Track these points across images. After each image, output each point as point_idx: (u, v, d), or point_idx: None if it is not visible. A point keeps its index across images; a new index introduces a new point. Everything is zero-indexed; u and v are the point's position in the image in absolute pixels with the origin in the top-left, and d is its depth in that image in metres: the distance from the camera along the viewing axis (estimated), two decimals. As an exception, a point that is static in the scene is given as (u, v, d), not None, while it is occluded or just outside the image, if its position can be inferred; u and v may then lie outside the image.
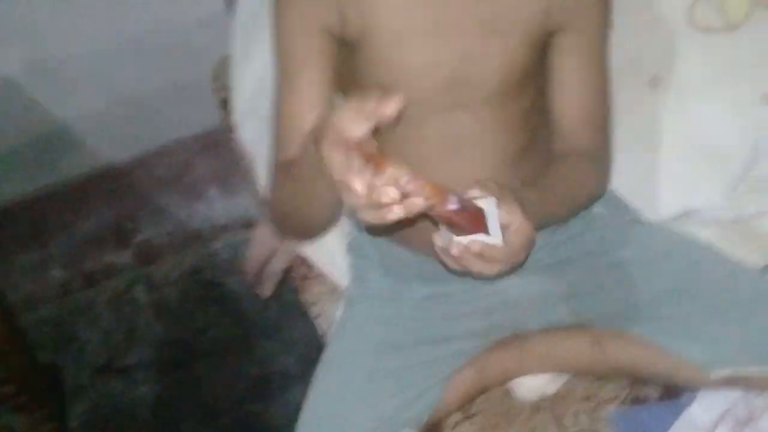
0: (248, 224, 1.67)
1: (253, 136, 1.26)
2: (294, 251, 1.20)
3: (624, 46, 1.06)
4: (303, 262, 1.20)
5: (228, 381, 1.61)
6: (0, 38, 1.44)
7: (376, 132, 0.75)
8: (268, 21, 0.94)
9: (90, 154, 1.65)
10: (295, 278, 1.21)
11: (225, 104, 1.35)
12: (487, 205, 0.75)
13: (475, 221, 0.73)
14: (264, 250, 1.25)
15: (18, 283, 1.69)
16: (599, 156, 0.97)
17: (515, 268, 0.79)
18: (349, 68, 0.92)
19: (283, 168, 0.94)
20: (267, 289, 1.28)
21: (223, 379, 1.62)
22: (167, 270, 1.78)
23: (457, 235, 0.74)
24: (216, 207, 1.80)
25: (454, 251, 0.74)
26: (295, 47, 0.91)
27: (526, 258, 0.79)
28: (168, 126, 1.68)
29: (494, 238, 0.74)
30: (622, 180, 1.04)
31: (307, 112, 0.90)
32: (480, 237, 0.74)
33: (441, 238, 0.75)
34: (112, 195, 1.72)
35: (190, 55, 1.56)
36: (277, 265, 1.24)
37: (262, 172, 1.26)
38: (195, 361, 1.65)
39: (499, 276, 0.78)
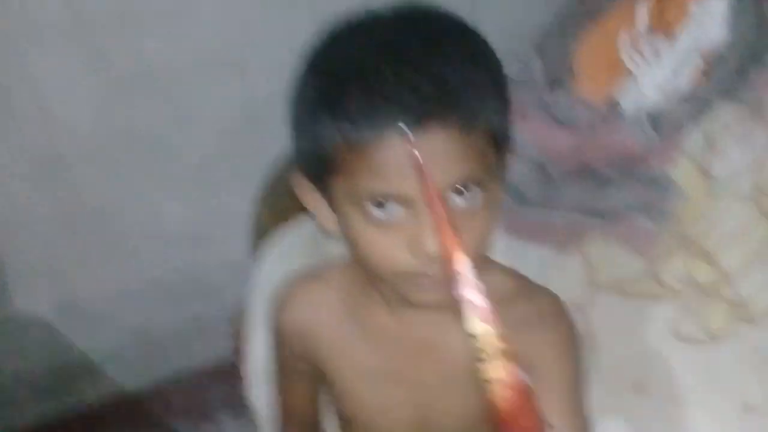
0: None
1: (263, 401, 1.31)
2: None
3: (611, 352, 1.13)
4: None
5: None
6: (32, 281, 1.56)
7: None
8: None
9: (108, 382, 1.72)
10: None
11: (239, 352, 1.42)
12: None
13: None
14: None
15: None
16: None
17: None
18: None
19: None
20: None
21: None
22: (173, 492, 1.80)
23: None
24: (225, 430, 1.84)
25: None
26: (285, 360, 1.01)
27: None
28: (183, 355, 1.75)
29: None
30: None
31: (301, 403, 1.04)
32: None
33: None
34: (127, 419, 1.77)
35: (210, 292, 1.65)
36: None
37: (268, 433, 1.31)
38: None
39: None
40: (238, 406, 1.87)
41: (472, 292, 0.61)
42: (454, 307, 0.81)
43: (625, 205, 1.19)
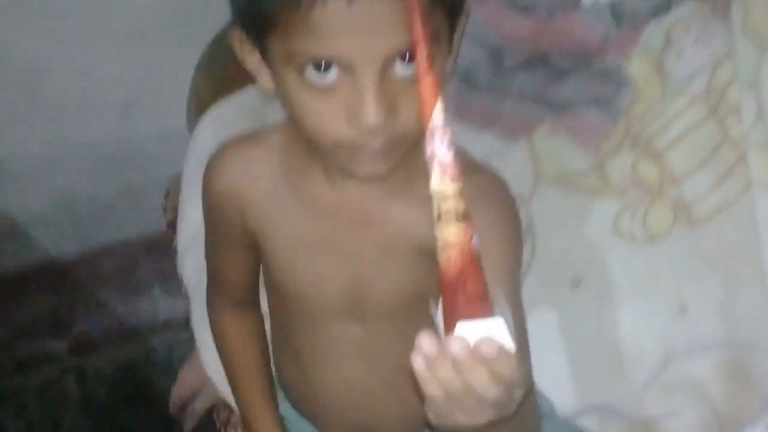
0: (188, 324, 1.70)
1: (192, 270, 1.29)
2: (217, 394, 1.23)
3: (549, 245, 1.12)
4: (226, 406, 1.22)
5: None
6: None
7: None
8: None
9: (34, 247, 1.67)
10: (217, 421, 1.24)
11: (173, 226, 1.38)
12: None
13: (485, 308, 0.57)
14: (188, 388, 1.27)
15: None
16: None
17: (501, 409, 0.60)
18: None
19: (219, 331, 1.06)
20: (188, 425, 1.30)
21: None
22: (101, 363, 1.78)
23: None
24: (157, 305, 1.82)
25: (456, 348, 0.55)
26: (215, 225, 0.97)
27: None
28: (115, 226, 1.71)
29: (507, 340, 0.56)
30: (539, 372, 1.08)
31: (232, 272, 1.00)
32: (488, 325, 0.55)
33: (437, 319, 0.58)
34: (53, 287, 1.74)
35: (144, 163, 1.60)
36: (199, 406, 1.26)
37: (196, 308, 1.29)
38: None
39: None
40: (170, 280, 1.85)
41: (443, 148, 0.57)
42: (392, 180, 0.80)
43: (578, 98, 1.16)
